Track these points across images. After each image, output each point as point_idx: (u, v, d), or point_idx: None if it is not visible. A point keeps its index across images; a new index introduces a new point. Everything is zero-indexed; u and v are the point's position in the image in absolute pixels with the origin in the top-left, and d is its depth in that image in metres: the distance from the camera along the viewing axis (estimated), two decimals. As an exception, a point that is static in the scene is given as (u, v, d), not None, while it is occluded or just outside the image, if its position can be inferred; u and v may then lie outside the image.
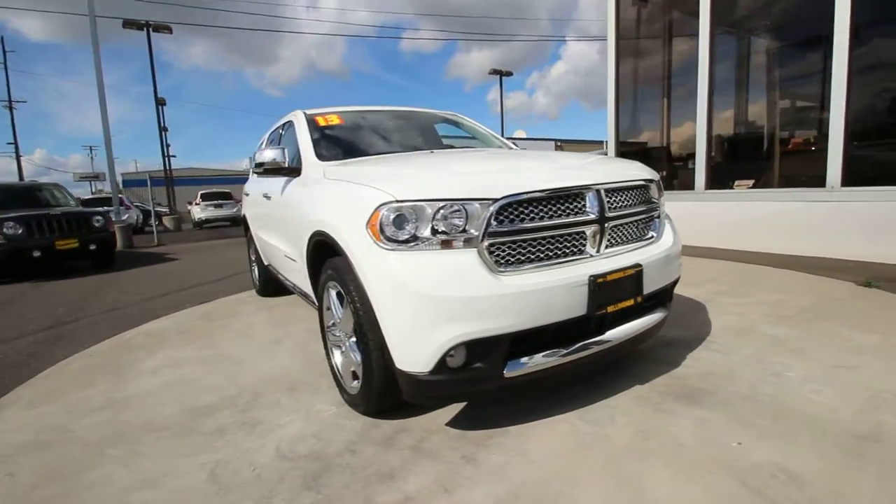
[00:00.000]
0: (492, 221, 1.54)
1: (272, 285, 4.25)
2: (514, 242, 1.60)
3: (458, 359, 1.54)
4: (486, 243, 1.54)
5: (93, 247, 6.76)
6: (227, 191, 19.34)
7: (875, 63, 4.29)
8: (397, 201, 1.56)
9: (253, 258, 4.51)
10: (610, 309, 1.70)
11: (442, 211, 1.53)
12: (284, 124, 3.35)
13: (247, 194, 4.14)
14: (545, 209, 1.64)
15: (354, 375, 1.98)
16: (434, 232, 1.54)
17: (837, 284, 3.38)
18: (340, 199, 1.84)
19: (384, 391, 1.74)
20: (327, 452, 1.70)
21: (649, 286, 1.84)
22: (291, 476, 1.58)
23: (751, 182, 5.26)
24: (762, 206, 4.78)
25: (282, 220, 2.74)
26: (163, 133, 20.90)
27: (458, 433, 1.77)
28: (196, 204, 18.67)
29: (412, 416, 1.90)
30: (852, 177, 4.14)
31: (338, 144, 2.73)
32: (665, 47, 6.40)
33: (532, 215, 1.62)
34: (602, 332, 1.78)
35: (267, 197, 3.16)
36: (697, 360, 2.26)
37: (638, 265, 1.78)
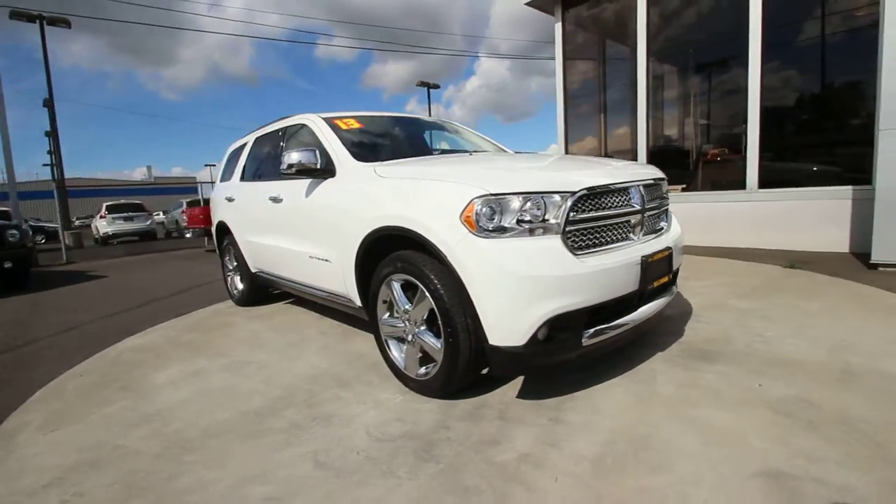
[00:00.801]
0: (569, 212, 1.79)
1: (257, 294, 4.12)
2: (583, 230, 1.86)
3: (546, 331, 1.75)
4: (565, 230, 1.79)
5: (8, 264, 5.91)
6: (137, 202, 17.55)
7: (781, 93, 5.25)
8: (491, 195, 1.75)
9: (231, 267, 4.31)
10: (655, 284, 2.03)
11: (528, 202, 1.75)
12: (288, 128, 3.33)
13: (229, 199, 3.97)
14: (606, 201, 1.92)
15: (421, 362, 2.10)
16: (520, 221, 1.75)
17: (770, 268, 4.11)
18: (422, 194, 1.96)
19: (469, 370, 1.90)
20: (421, 431, 1.82)
21: (674, 266, 2.20)
22: (401, 452, 1.67)
23: (681, 186, 6.09)
24: (698, 207, 5.57)
25: (309, 220, 2.74)
26: (52, 139, 18.37)
27: (532, 403, 1.97)
28: (101, 217, 16.69)
29: (480, 394, 2.07)
30: (766, 181, 5.02)
31: (366, 147, 2.81)
32: (600, 69, 7.17)
33: (597, 207, 1.89)
34: (640, 307, 2.10)
35: (275, 200, 3.12)
36: (695, 330, 2.68)
37: (669, 248, 2.13)
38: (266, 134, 3.71)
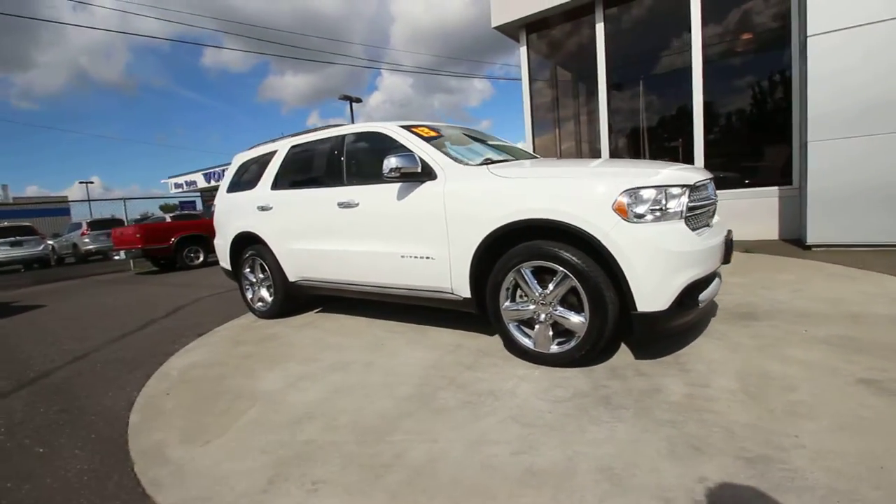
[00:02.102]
0: (688, 201, 2.24)
1: (290, 304, 4.05)
2: (691, 217, 2.32)
3: (680, 297, 2.17)
4: (686, 216, 2.24)
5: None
6: (26, 224, 15.03)
7: (719, 111, 6.38)
8: (637, 187, 2.14)
9: (256, 278, 4.16)
10: (730, 259, 2.57)
11: (662, 193, 2.17)
12: (354, 135, 3.45)
13: (263, 208, 3.87)
14: (699, 194, 2.41)
15: (551, 339, 2.41)
16: (656, 209, 2.16)
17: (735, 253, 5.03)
18: (570, 189, 2.27)
19: (610, 337, 2.26)
20: (584, 391, 2.12)
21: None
22: (589, 406, 1.97)
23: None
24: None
25: (404, 222, 2.89)
26: None
27: (652, 362, 2.37)
28: (-24, 243, 13.99)
29: (602, 363, 2.42)
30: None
31: (456, 152, 3.02)
32: (554, 90, 8.02)
33: (696, 198, 2.37)
34: (714, 280, 2.61)
35: (347, 205, 3.19)
36: (721, 300, 3.31)
37: (730, 230, 2.69)
38: (313, 141, 3.72)
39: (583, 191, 2.24)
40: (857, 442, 1.56)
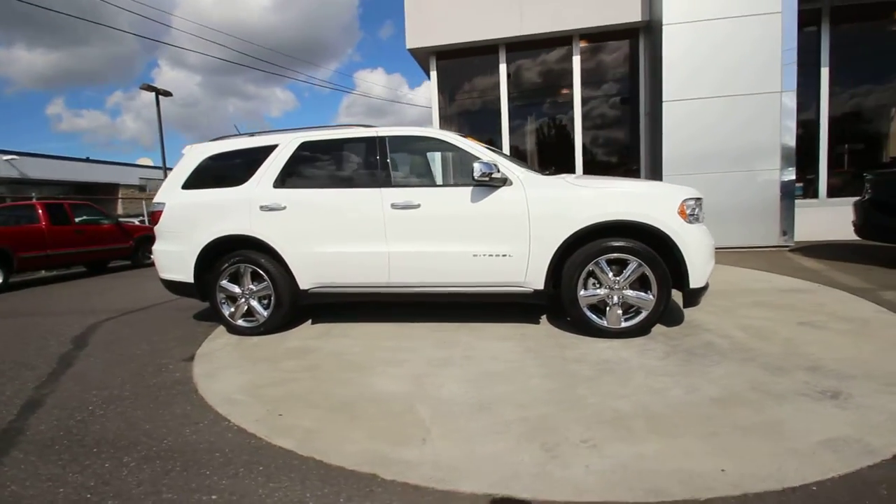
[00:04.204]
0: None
1: (291, 317, 3.66)
2: (698, 221, 3.30)
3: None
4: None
5: None
6: None
7: (592, 146, 8.09)
8: (691, 198, 2.96)
9: (239, 291, 3.58)
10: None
11: (697, 202, 3.05)
12: (403, 137, 3.51)
13: (273, 208, 3.42)
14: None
15: (621, 317, 3.04)
16: (693, 214, 3.03)
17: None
18: (647, 198, 2.94)
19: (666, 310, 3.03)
20: (666, 350, 2.80)
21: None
22: (684, 358, 2.65)
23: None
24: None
25: (480, 223, 3.12)
26: None
27: (677, 329, 3.21)
28: None
29: (650, 334, 3.16)
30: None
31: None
32: (458, 116, 8.88)
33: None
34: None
35: (404, 206, 3.21)
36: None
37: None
38: (336, 140, 3.54)
39: (659, 199, 2.99)
40: (841, 346, 2.64)
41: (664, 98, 6.47)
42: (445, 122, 8.24)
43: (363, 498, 1.58)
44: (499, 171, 3.07)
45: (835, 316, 3.33)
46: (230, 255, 3.60)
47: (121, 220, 10.26)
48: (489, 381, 2.49)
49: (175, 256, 3.73)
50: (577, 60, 7.55)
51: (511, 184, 3.14)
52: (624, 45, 7.58)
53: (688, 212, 2.97)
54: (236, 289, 3.62)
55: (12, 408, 2.50)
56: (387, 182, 3.36)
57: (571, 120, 7.69)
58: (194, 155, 3.83)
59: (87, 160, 27.73)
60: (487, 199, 3.14)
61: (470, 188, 3.17)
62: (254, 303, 3.61)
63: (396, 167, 3.46)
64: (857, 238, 5.33)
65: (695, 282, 2.97)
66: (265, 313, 3.59)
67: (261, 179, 3.57)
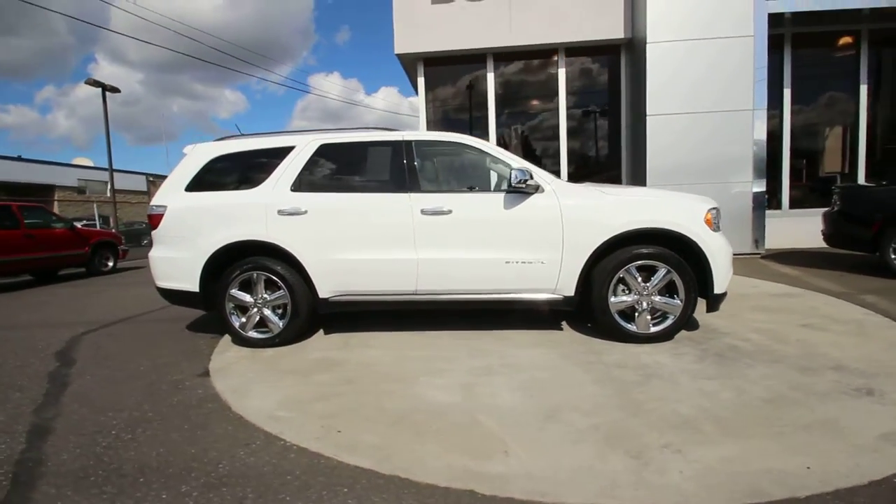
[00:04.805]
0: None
1: (307, 326, 3.49)
2: (712, 229, 3.46)
3: (727, 282, 3.24)
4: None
5: None
6: None
7: (578, 154, 8.32)
8: (713, 208, 3.10)
9: (252, 300, 3.38)
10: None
11: (718, 212, 3.20)
12: (431, 142, 3.48)
13: (293, 213, 3.25)
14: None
15: (650, 322, 3.13)
16: (717, 223, 3.18)
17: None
18: (675, 207, 3.04)
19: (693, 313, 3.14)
20: (698, 354, 2.91)
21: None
22: (718, 360, 2.76)
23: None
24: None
25: (513, 229, 3.12)
26: None
27: (698, 333, 3.34)
28: None
29: (675, 338, 3.27)
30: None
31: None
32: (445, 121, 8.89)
33: (713, 217, 3.53)
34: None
35: (434, 213, 3.15)
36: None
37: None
38: (359, 143, 3.42)
39: (687, 208, 3.10)
40: (849, 346, 2.84)
41: (648, 112, 6.78)
42: (432, 128, 8.21)
43: (469, 516, 1.52)
44: (532, 178, 3.09)
45: (830, 318, 3.59)
46: (241, 261, 3.39)
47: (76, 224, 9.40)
48: (541, 389, 2.48)
49: (178, 263, 3.47)
50: (562, 73, 7.77)
51: (543, 191, 3.17)
52: (606, 59, 7.89)
53: (713, 220, 3.11)
54: (248, 298, 3.41)
55: (17, 435, 2.21)
56: (416, 187, 3.29)
57: (557, 129, 7.89)
58: (199, 155, 3.59)
59: (20, 159, 25.45)
60: (521, 205, 3.15)
61: (502, 194, 3.17)
62: (267, 312, 3.41)
63: (425, 172, 3.40)
64: (824, 246, 5.79)
65: (718, 287, 3.10)
66: (280, 324, 3.40)
67: (277, 183, 3.39)
